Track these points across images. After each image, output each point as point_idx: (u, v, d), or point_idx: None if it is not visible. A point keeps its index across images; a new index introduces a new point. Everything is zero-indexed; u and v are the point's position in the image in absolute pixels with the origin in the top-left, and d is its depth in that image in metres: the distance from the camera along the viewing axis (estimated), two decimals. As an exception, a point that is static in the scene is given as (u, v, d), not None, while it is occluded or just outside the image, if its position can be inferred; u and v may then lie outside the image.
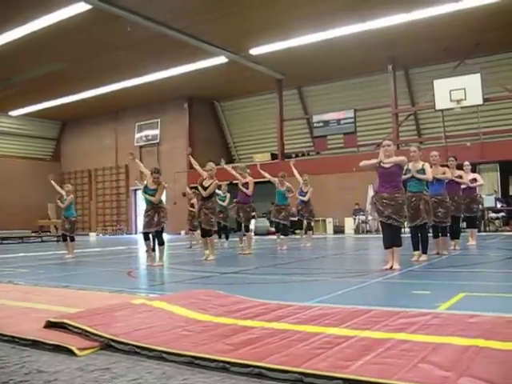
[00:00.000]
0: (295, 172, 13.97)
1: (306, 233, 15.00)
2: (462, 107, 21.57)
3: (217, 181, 10.65)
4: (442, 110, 22.17)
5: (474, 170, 13.94)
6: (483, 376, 2.45)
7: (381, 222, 7.98)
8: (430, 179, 9.07)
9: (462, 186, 11.36)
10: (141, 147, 31.77)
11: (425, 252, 9.05)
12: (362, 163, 8.09)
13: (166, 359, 3.07)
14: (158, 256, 10.03)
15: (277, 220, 13.72)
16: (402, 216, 7.84)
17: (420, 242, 9.00)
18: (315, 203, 14.47)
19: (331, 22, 18.87)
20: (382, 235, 8.11)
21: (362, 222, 23.04)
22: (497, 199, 21.03)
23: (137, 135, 32.04)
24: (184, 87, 26.99)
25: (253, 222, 13.07)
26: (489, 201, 19.91)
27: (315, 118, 26.67)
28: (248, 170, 12.72)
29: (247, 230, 12.63)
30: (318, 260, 11.00)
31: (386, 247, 7.91)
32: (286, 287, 6.60)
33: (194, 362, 2.97)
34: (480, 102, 21.25)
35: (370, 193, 21.66)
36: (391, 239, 7.83)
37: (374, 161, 7.84)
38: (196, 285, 6.64)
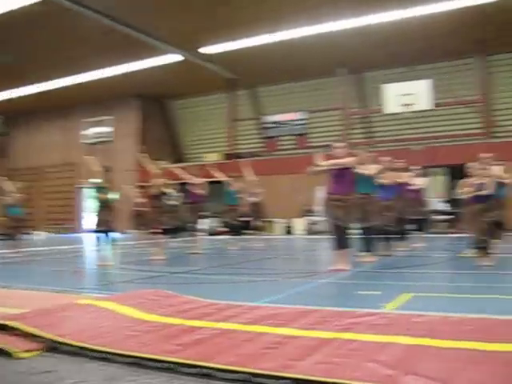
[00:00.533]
0: (247, 173, 13.97)
1: (256, 233, 15.02)
2: (411, 112, 21.97)
3: (163, 179, 10.60)
4: (391, 114, 22.52)
5: (418, 175, 14.19)
6: (428, 374, 2.50)
7: (331, 222, 8.04)
8: (371, 174, 9.14)
9: (411, 188, 11.60)
10: (91, 145, 31.25)
11: (373, 254, 9.18)
12: (311, 170, 8.14)
13: (112, 360, 3.02)
14: (107, 255, 9.87)
15: (227, 220, 13.71)
16: (353, 218, 7.94)
17: (368, 244, 9.12)
18: (266, 204, 14.50)
19: (284, 23, 18.93)
20: (331, 236, 8.18)
21: (312, 223, 23.21)
22: (443, 202, 21.51)
23: (87, 132, 31.51)
24: (135, 85, 26.65)
25: (203, 222, 13.01)
26: (435, 204, 20.33)
27: (267, 119, 26.74)
28: (197, 171, 12.66)
29: (198, 229, 12.58)
30: (268, 260, 11.03)
31: (335, 248, 7.99)
32: (235, 287, 6.60)
33: (140, 363, 2.93)
34: (429, 107, 21.68)
35: (320, 194, 21.85)
36: (340, 240, 7.91)
37: (325, 164, 7.94)
38: (144, 284, 6.58)
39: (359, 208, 8.46)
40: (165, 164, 12.21)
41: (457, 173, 14.72)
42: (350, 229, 8.15)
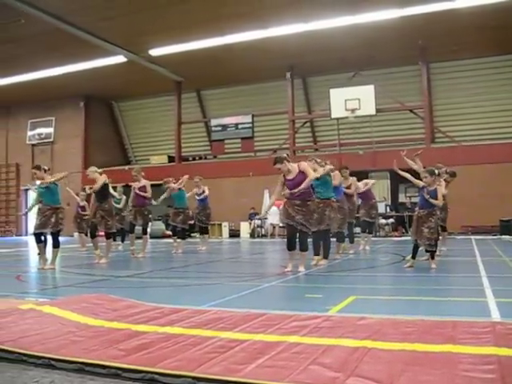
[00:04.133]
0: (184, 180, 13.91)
1: (201, 237, 14.98)
2: (355, 116, 22.34)
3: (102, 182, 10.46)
4: (337, 119, 22.84)
5: (365, 178, 14.45)
6: (370, 375, 2.56)
7: (288, 224, 8.10)
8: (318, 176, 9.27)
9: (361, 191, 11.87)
10: (33, 145, 30.58)
11: (326, 257, 9.29)
12: (273, 194, 8.32)
13: (55, 367, 2.97)
14: (50, 259, 9.66)
15: (174, 224, 13.61)
16: (312, 223, 8.04)
17: (318, 247, 9.22)
18: (211, 207, 14.46)
19: (230, 27, 19.01)
20: (286, 239, 8.28)
21: (258, 226, 23.31)
22: (387, 206, 21.94)
23: (29, 133, 30.79)
24: (80, 85, 26.24)
25: (148, 224, 12.89)
26: (379, 207, 20.67)
27: (213, 122, 26.72)
28: (142, 173, 12.51)
29: (145, 232, 12.46)
30: (214, 264, 11.03)
31: (290, 249, 8.09)
32: (181, 291, 6.58)
33: (84, 369, 2.90)
34: (373, 112, 22.11)
35: (266, 197, 21.97)
36: (295, 243, 8.04)
37: (279, 185, 8.12)
38: (88, 289, 6.48)
39: (316, 212, 8.50)
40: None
41: (399, 177, 15.08)
42: (308, 233, 8.26)
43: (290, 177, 8.00)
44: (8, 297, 5.76)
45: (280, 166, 8.05)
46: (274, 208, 21.34)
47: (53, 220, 9.30)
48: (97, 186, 10.30)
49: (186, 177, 14.00)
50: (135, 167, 13.54)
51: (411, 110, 22.86)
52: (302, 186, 7.82)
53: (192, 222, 15.14)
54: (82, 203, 14.72)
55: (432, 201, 8.16)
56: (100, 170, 10.74)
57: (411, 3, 17.17)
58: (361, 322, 3.82)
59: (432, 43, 20.65)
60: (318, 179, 8.81)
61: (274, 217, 21.49)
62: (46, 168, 9.83)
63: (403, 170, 9.60)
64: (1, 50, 20.74)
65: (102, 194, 10.57)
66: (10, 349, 3.20)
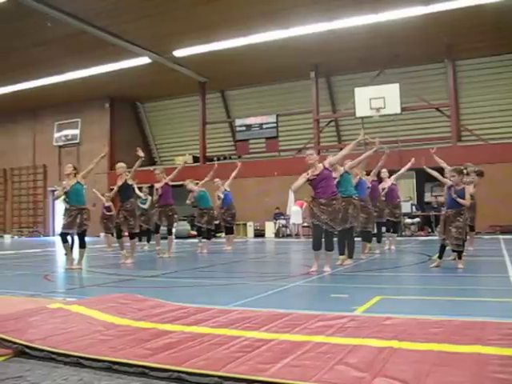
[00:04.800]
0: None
1: (226, 236, 15.00)
2: (380, 115, 22.20)
3: (129, 180, 10.55)
4: (361, 118, 22.72)
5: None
6: (396, 376, 2.54)
7: (314, 224, 8.08)
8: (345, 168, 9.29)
9: (383, 190, 11.80)
10: (60, 147, 30.92)
11: (351, 256, 9.27)
12: (294, 186, 8.18)
13: (83, 365, 3.01)
14: (76, 259, 9.76)
15: (200, 225, 13.67)
16: (337, 222, 8.01)
17: (344, 246, 9.20)
18: (236, 207, 14.49)
19: (253, 27, 19.01)
20: (312, 237, 8.28)
21: (283, 225, 23.28)
22: (413, 205, 21.76)
23: (56, 135, 31.14)
24: (106, 87, 26.47)
25: (174, 225, 12.94)
26: (405, 207, 20.53)
27: (238, 122, 26.76)
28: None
29: (170, 233, 12.51)
30: (239, 264, 11.04)
31: (316, 249, 8.07)
32: (206, 291, 6.59)
33: (112, 368, 2.93)
34: (398, 110, 21.95)
35: (291, 197, 21.94)
36: (321, 243, 8.02)
37: (302, 179, 7.99)
38: (115, 288, 6.53)
39: (341, 211, 8.49)
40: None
41: (425, 176, 14.96)
42: (334, 233, 8.24)
43: (316, 172, 7.98)
44: (37, 296, 5.84)
45: (312, 153, 8.09)
46: (296, 207, 21.34)
47: (78, 220, 9.39)
48: (113, 193, 10.41)
49: (239, 165, 14.02)
50: (158, 167, 13.58)
51: (437, 108, 22.63)
52: (343, 151, 8.23)
53: (217, 221, 15.15)
54: (107, 204, 14.85)
55: (460, 200, 8.06)
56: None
57: (436, 0, 17.01)
58: (387, 322, 3.80)
59: (457, 40, 20.40)
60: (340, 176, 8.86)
61: (296, 216, 21.46)
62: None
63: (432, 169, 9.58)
64: (28, 53, 20.99)
65: (125, 194, 10.65)
66: (39, 347, 3.24)
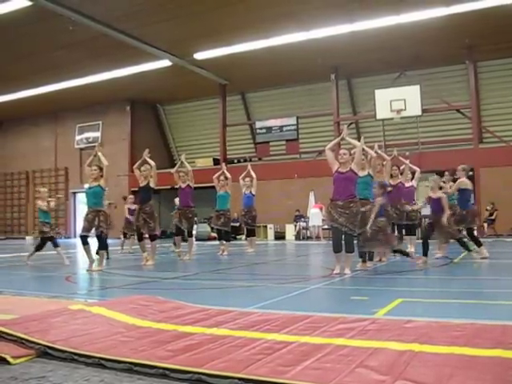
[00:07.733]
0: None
1: (247, 239, 15.01)
2: (401, 117, 22.08)
3: (151, 183, 10.63)
4: (382, 120, 22.62)
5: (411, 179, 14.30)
6: (417, 379, 2.53)
7: (333, 227, 8.08)
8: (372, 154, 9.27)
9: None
10: (81, 149, 31.16)
11: (371, 259, 9.23)
12: (328, 147, 8.24)
13: (104, 366, 3.02)
14: (97, 260, 9.83)
15: (216, 227, 13.70)
16: (356, 225, 7.99)
17: (364, 249, 9.15)
18: (256, 209, 14.49)
19: (274, 29, 19.00)
20: (331, 240, 8.28)
21: (303, 228, 23.22)
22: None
23: (77, 137, 31.42)
24: (126, 89, 26.65)
25: (194, 227, 12.98)
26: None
27: (258, 124, 26.76)
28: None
29: (190, 235, 12.54)
30: (259, 266, 11.03)
31: (336, 251, 8.05)
32: (227, 293, 6.60)
33: (133, 369, 2.94)
34: (419, 112, 21.82)
35: (312, 199, 21.90)
36: (341, 245, 8.00)
37: (337, 139, 8.15)
38: (136, 290, 6.56)
39: (360, 214, 8.46)
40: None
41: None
42: (354, 235, 8.21)
43: (342, 169, 7.97)
44: (58, 297, 5.88)
45: (346, 153, 8.09)
46: (316, 210, 21.28)
47: (95, 223, 9.46)
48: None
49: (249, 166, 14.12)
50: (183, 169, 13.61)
51: (458, 110, 22.44)
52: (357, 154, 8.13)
53: (237, 224, 15.17)
54: (132, 206, 14.79)
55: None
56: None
57: (458, 1, 16.87)
58: (408, 325, 3.77)
59: (479, 41, 20.22)
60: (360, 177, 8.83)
61: (315, 218, 21.39)
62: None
63: None
64: (50, 57, 21.20)
65: (145, 196, 10.71)
66: (61, 348, 3.27)
